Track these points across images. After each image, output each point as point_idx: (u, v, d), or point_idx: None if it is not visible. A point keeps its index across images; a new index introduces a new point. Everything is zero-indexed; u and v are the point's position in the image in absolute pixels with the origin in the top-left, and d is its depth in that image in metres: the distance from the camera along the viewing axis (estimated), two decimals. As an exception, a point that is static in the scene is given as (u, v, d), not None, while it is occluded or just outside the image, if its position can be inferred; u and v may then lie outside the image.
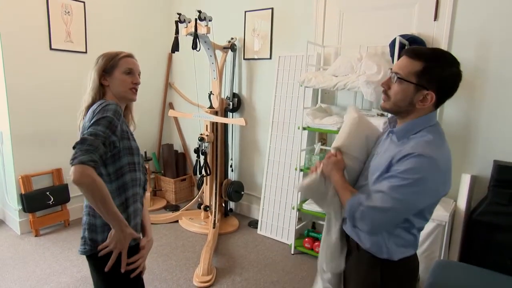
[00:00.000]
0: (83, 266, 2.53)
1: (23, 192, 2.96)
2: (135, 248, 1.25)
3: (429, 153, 1.00)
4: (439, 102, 1.09)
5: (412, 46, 2.29)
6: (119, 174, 1.20)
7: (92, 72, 1.29)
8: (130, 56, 1.35)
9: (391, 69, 1.12)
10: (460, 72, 1.07)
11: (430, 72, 1.03)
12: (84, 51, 3.31)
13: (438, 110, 2.37)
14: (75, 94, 3.29)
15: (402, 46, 2.23)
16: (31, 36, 2.96)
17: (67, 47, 3.19)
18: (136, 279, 1.27)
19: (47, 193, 3.07)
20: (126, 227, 1.15)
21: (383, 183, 1.05)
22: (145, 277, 2.40)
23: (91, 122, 1.13)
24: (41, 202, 3.03)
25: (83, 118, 1.24)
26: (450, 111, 2.39)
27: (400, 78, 1.06)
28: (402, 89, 1.07)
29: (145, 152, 3.78)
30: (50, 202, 3.08)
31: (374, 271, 1.16)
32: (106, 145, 1.11)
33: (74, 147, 1.08)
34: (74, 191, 3.35)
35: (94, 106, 1.20)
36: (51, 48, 3.08)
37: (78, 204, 3.42)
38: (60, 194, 3.16)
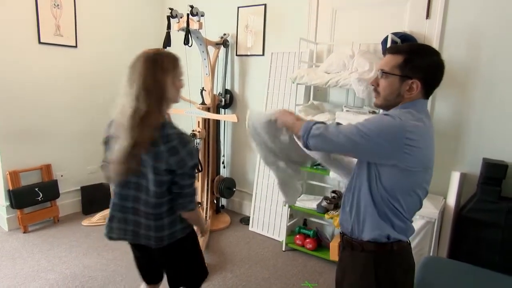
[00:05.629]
0: (72, 263, 2.50)
1: (11, 188, 2.91)
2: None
3: (400, 116, 1.06)
4: (427, 90, 1.13)
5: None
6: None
7: (166, 79, 1.25)
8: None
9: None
10: (441, 61, 1.12)
11: (412, 62, 1.09)
12: (74, 45, 3.25)
13: (428, 107, 2.40)
14: (65, 89, 3.26)
15: (394, 43, 2.23)
16: (19, 30, 2.90)
17: (56, 41, 3.13)
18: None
19: (36, 189, 3.02)
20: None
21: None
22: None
23: (188, 167, 1.27)
24: (30, 198, 2.99)
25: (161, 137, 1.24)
26: (441, 109, 2.41)
27: (385, 73, 1.13)
28: (389, 83, 1.13)
29: (136, 148, 3.74)
30: (39, 198, 3.04)
31: (369, 266, 1.17)
32: None
33: (184, 195, 1.32)
34: (64, 187, 3.31)
35: (175, 141, 1.24)
36: (40, 42, 3.02)
37: (67, 200, 3.38)
38: (49, 190, 3.12)
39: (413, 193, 1.13)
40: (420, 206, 1.19)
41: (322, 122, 1.19)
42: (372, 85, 1.19)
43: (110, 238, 1.40)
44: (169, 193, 1.32)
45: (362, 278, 1.18)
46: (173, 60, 1.29)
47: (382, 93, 1.15)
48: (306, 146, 1.18)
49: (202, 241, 2.77)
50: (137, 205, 1.33)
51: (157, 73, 1.22)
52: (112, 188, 1.39)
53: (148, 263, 1.55)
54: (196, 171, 3.20)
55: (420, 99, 1.14)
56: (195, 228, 1.52)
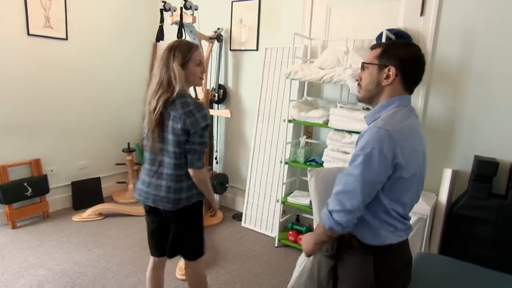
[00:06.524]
0: (62, 259, 2.46)
1: (-1, 183, 2.86)
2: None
3: (383, 125, 1.07)
4: (406, 81, 1.15)
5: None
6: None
7: (172, 64, 1.47)
8: (199, 48, 1.57)
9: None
10: (419, 53, 1.15)
11: (389, 52, 1.15)
12: (65, 37, 3.18)
13: (422, 105, 2.43)
14: (55, 82, 3.19)
15: (388, 40, 2.23)
16: (7, 20, 2.82)
17: (46, 33, 3.06)
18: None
19: (25, 184, 2.97)
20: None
21: (348, 167, 1.13)
22: (127, 269, 2.38)
23: (200, 127, 1.47)
24: (18, 193, 2.93)
25: (169, 104, 1.49)
26: (434, 106, 2.42)
27: (365, 64, 1.20)
28: (368, 73, 1.19)
29: (128, 143, 3.70)
30: (28, 193, 2.98)
31: (367, 261, 1.17)
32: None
33: (193, 151, 1.49)
34: (54, 182, 3.26)
35: (191, 106, 1.48)
36: (28, 34, 2.95)
37: (58, 196, 3.33)
38: (38, 185, 3.07)
39: (414, 189, 1.16)
40: (417, 198, 1.21)
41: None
42: (357, 80, 1.25)
43: (138, 200, 1.63)
44: (186, 155, 1.51)
45: (360, 271, 1.18)
46: (184, 48, 1.50)
47: (363, 85, 1.20)
48: (343, 227, 1.11)
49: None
50: (161, 169, 1.54)
51: (169, 59, 1.48)
52: (145, 154, 1.61)
53: (160, 231, 1.68)
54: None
55: (403, 95, 1.15)
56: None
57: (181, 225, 1.63)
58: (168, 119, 1.48)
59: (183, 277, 2.31)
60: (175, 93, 1.47)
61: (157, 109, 1.47)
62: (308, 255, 1.32)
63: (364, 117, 1.24)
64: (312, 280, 1.37)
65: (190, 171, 1.53)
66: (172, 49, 1.50)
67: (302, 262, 1.47)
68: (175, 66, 1.46)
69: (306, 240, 1.25)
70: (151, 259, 1.76)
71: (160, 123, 1.49)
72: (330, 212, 1.12)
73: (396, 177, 1.08)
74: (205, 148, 1.53)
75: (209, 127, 1.53)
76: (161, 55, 1.51)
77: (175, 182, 1.52)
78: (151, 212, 1.65)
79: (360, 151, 1.07)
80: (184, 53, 1.49)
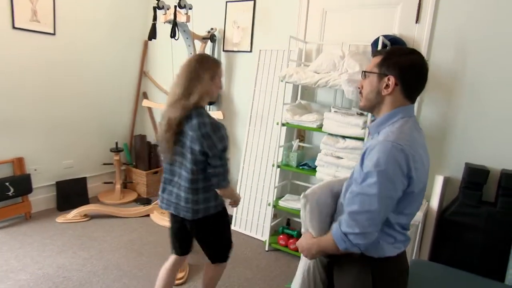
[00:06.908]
0: (45, 263, 2.37)
1: (-22, 182, 2.73)
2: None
3: (395, 140, 1.04)
4: (406, 90, 1.12)
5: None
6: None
7: (204, 76, 1.51)
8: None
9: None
10: (419, 60, 1.12)
11: (388, 60, 1.12)
12: (52, 32, 3.08)
13: (415, 111, 2.43)
14: (40, 78, 3.08)
15: (384, 46, 2.24)
16: (-8, 12, 2.71)
17: (32, 27, 2.95)
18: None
19: (7, 183, 2.84)
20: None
21: (359, 185, 1.08)
22: (114, 273, 2.30)
23: (217, 150, 1.49)
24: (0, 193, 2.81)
25: (186, 117, 1.50)
26: (427, 113, 2.44)
27: (365, 73, 1.18)
28: (369, 82, 1.17)
29: (116, 143, 3.60)
30: (10, 193, 2.86)
31: (365, 274, 1.15)
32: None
33: (216, 174, 1.54)
34: (37, 181, 3.15)
35: (208, 127, 1.48)
36: (14, 27, 2.84)
37: (41, 196, 3.21)
38: (21, 184, 2.95)
39: (417, 200, 1.14)
40: (418, 209, 1.20)
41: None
42: (359, 89, 1.23)
43: (161, 207, 1.69)
44: (203, 172, 1.54)
45: (357, 282, 1.17)
46: (214, 62, 1.58)
47: (364, 93, 1.18)
48: (359, 248, 1.09)
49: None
50: (180, 180, 1.59)
51: (200, 71, 1.52)
52: (163, 165, 1.65)
53: (181, 232, 1.76)
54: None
55: (405, 106, 1.13)
56: (229, 200, 1.77)
57: (199, 234, 1.72)
58: (185, 137, 1.50)
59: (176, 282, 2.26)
60: (190, 101, 1.49)
61: (177, 118, 1.49)
62: (311, 259, 1.31)
63: (368, 128, 1.23)
64: (312, 282, 1.35)
65: (218, 191, 1.61)
66: (203, 61, 1.55)
67: (303, 266, 1.45)
68: (206, 78, 1.51)
69: (307, 248, 1.23)
70: (172, 256, 1.81)
71: (177, 133, 1.51)
72: (345, 234, 1.08)
73: (407, 192, 1.06)
74: (227, 167, 1.57)
75: (227, 148, 1.55)
76: (187, 66, 1.54)
77: (193, 195, 1.57)
78: (173, 215, 1.72)
79: (373, 168, 1.02)
80: (214, 67, 1.56)
